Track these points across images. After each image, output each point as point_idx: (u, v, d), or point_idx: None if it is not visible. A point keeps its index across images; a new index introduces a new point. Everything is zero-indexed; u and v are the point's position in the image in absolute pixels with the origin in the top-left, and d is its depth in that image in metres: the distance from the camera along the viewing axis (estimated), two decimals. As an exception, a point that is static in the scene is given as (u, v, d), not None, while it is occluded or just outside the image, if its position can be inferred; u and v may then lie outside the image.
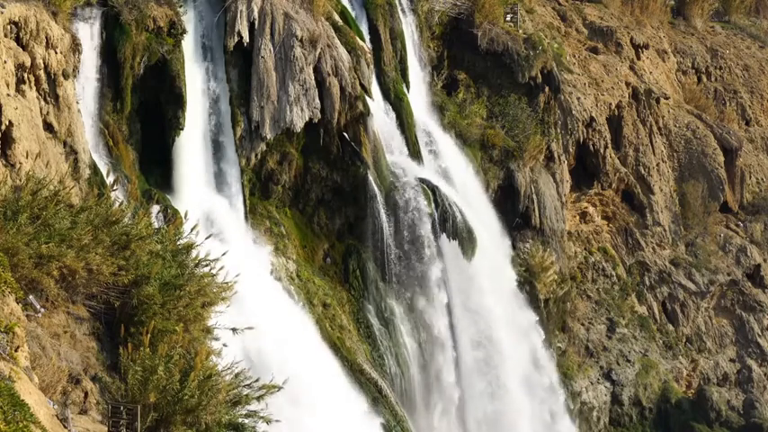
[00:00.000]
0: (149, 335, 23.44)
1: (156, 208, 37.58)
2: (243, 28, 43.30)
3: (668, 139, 66.32)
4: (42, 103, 34.86)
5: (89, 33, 38.97)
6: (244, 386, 24.65)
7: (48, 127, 34.92)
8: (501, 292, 51.03)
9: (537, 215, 54.85)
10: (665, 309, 62.76)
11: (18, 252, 22.99)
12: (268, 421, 24.89)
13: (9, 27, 33.43)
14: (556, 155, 57.00)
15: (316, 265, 46.25)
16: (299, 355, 38.83)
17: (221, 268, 27.39)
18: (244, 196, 43.67)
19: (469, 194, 51.49)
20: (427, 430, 47.67)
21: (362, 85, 46.47)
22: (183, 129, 41.23)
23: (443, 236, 47.85)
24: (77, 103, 37.02)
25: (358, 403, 42.40)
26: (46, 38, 34.60)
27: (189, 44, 42.43)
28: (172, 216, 37.95)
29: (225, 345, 26.75)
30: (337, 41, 46.20)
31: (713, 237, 65.48)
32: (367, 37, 49.77)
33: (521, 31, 57.90)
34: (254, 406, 24.68)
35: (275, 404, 25.69)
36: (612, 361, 58.53)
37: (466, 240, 48.70)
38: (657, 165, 64.11)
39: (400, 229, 47.03)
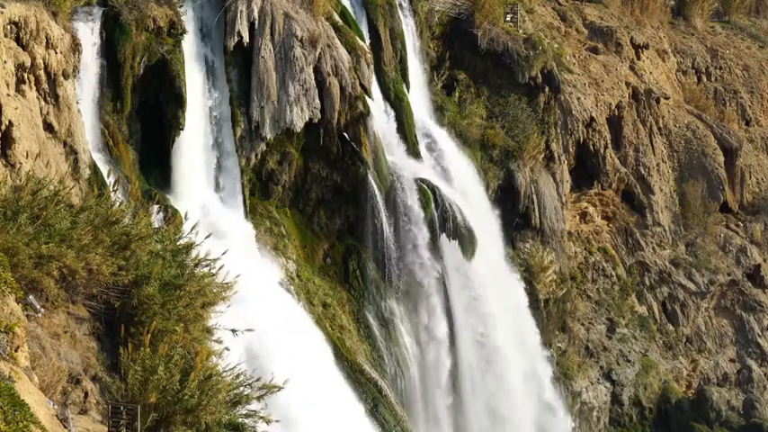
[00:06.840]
0: (149, 335, 23.42)
1: (155, 208, 37.54)
2: (243, 28, 43.29)
3: (668, 139, 66.30)
4: (42, 103, 34.88)
5: (89, 33, 38.96)
6: (244, 386, 24.63)
7: (48, 127, 34.94)
8: (501, 292, 51.01)
9: (537, 215, 54.85)
10: (665, 309, 62.74)
11: (18, 252, 22.95)
12: (268, 421, 24.88)
13: (9, 27, 33.44)
14: (556, 155, 56.98)
15: (316, 265, 46.25)
16: (299, 355, 38.80)
17: (221, 268, 27.39)
18: (244, 196, 43.67)
19: (469, 194, 51.49)
20: (427, 430, 47.66)
21: (362, 85, 46.47)
22: (183, 129, 41.25)
23: (443, 236, 47.86)
24: (77, 103, 37.03)
25: (358, 403, 42.39)
26: (46, 38, 34.62)
27: (189, 44, 42.43)
28: (171, 216, 37.94)
29: (227, 348, 26.75)
30: (337, 41, 46.20)
31: (713, 237, 65.45)
32: (367, 37, 49.75)
33: (521, 31, 57.89)
34: (254, 406, 24.67)
35: (275, 404, 25.69)
36: (612, 361, 58.51)
37: (466, 240, 48.71)
38: (657, 165, 64.09)
39: (400, 229, 47.03)
